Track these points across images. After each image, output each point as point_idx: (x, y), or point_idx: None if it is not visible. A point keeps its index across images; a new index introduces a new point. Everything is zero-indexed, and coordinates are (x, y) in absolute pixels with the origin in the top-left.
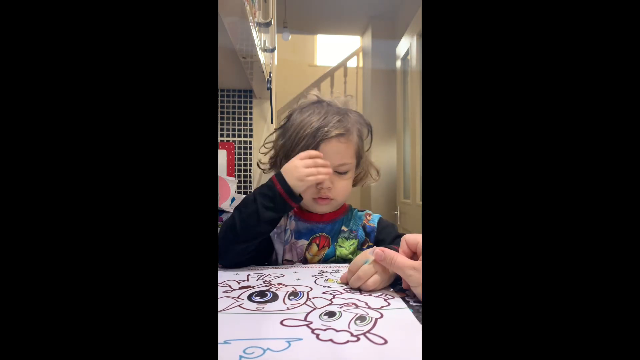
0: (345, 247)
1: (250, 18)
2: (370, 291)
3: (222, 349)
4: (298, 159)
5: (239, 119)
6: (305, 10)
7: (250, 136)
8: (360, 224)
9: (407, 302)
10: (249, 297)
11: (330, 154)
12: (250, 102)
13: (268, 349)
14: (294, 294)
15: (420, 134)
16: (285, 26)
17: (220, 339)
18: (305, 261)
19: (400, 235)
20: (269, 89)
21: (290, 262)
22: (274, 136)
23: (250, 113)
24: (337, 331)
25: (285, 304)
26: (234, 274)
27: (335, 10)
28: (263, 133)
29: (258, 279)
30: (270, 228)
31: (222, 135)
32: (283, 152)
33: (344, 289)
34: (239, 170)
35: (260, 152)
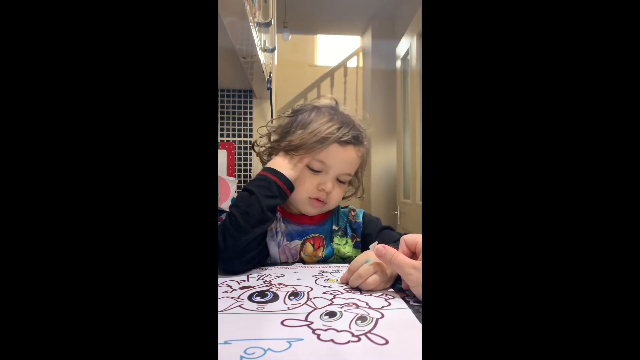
0: (342, 245)
1: (250, 18)
2: (370, 291)
3: (222, 350)
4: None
5: (239, 119)
6: (305, 10)
7: (250, 136)
8: (346, 220)
9: (407, 302)
10: (250, 298)
11: (342, 159)
12: (250, 102)
13: (269, 349)
14: (295, 294)
15: (420, 134)
16: (285, 26)
17: (221, 339)
18: (302, 262)
19: (385, 228)
20: (269, 89)
21: (286, 264)
22: (277, 122)
23: (250, 113)
24: (338, 331)
25: (285, 304)
26: (242, 274)
27: (335, 10)
28: None
29: (258, 279)
30: (272, 216)
31: (222, 135)
32: (293, 145)
33: (344, 289)
34: (239, 170)
35: (259, 132)
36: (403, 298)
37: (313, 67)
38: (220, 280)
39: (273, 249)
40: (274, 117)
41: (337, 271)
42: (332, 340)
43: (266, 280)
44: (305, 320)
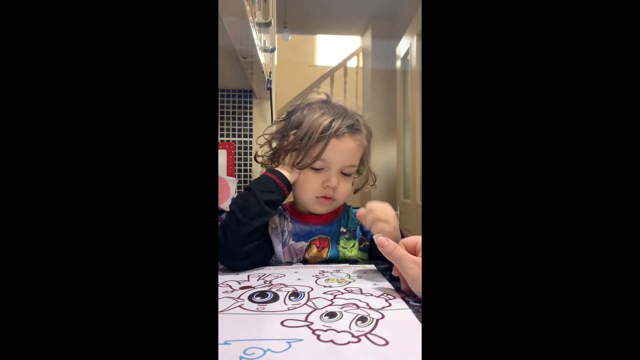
0: (347, 248)
1: (250, 18)
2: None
3: (222, 350)
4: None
5: (239, 119)
6: (305, 10)
7: (250, 136)
8: (358, 223)
9: (407, 302)
10: (250, 298)
11: (342, 152)
12: (250, 102)
13: (268, 349)
14: (295, 294)
15: (420, 134)
16: (285, 26)
17: (221, 339)
18: (305, 263)
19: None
20: (269, 89)
21: (290, 264)
22: (273, 128)
23: (250, 113)
24: (338, 332)
25: (286, 304)
26: (234, 274)
27: (335, 10)
28: None
29: (259, 279)
30: (271, 210)
31: (222, 135)
32: (292, 148)
33: (345, 289)
34: (239, 170)
35: (258, 142)
36: (403, 298)
37: (313, 67)
38: (221, 280)
39: (278, 248)
40: (274, 118)
41: (338, 271)
42: (332, 341)
43: (266, 281)
44: (306, 320)
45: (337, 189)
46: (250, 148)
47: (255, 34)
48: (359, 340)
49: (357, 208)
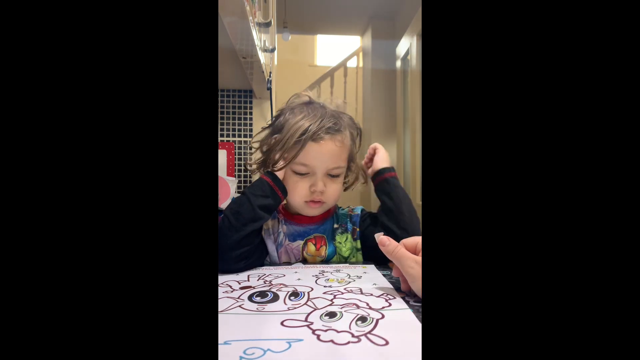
0: (342, 242)
1: (250, 18)
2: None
3: (222, 350)
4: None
5: (239, 119)
6: (305, 10)
7: (250, 136)
8: (346, 217)
9: (407, 302)
10: (250, 298)
11: (322, 155)
12: (250, 102)
13: (268, 349)
14: (295, 294)
15: (420, 134)
16: (285, 26)
17: (221, 339)
18: (305, 262)
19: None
20: (269, 89)
21: (288, 264)
22: (262, 134)
23: (250, 113)
24: (338, 332)
25: (285, 304)
26: (234, 274)
27: (335, 10)
28: None
29: (259, 279)
30: (264, 215)
31: (222, 135)
32: (274, 152)
33: (345, 289)
34: (239, 170)
35: (250, 150)
36: (403, 298)
37: (313, 67)
38: (221, 280)
39: (272, 249)
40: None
41: (338, 271)
42: (332, 341)
43: (266, 281)
44: (305, 320)
45: (325, 192)
46: (251, 148)
47: (255, 34)
48: (359, 340)
49: (344, 208)
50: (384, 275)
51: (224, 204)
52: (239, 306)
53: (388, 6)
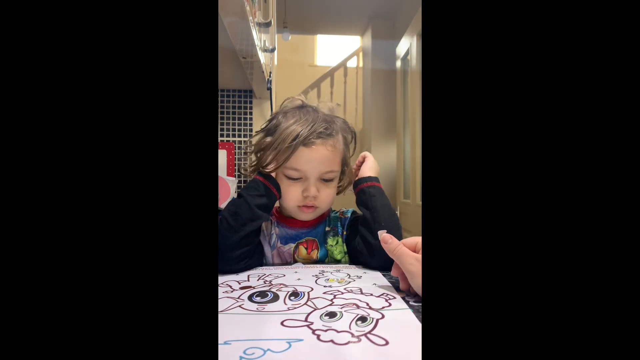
0: (333, 245)
1: (250, 18)
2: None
3: (222, 350)
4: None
5: (239, 119)
6: (305, 10)
7: (250, 136)
8: (337, 220)
9: (407, 302)
10: (250, 298)
11: (314, 160)
12: (250, 102)
13: (268, 349)
14: (295, 294)
15: (420, 134)
16: (285, 26)
17: (221, 339)
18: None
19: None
20: (269, 89)
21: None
22: (256, 139)
23: (250, 113)
24: (338, 332)
25: (286, 304)
26: (234, 274)
27: (335, 10)
28: None
29: (259, 279)
30: (262, 214)
31: (222, 135)
32: (267, 157)
33: (345, 289)
34: (239, 170)
35: (244, 154)
36: (403, 298)
37: (313, 67)
38: (221, 280)
39: (267, 250)
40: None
41: (338, 271)
42: (332, 341)
43: (266, 281)
44: (306, 320)
45: (318, 197)
46: (244, 152)
47: (255, 34)
48: (359, 340)
49: (336, 212)
50: (384, 275)
51: (224, 204)
52: (239, 306)
53: (388, 6)
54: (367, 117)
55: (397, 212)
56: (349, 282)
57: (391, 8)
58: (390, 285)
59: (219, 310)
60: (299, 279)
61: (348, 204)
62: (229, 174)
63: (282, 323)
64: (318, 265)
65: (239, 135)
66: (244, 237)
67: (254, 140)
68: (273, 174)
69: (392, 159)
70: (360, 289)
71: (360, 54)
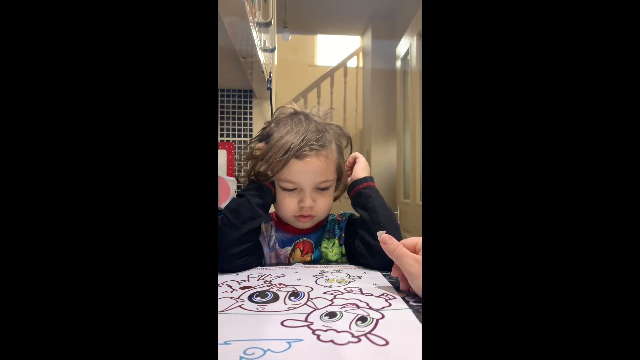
0: (329, 248)
1: (250, 18)
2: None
3: (222, 350)
4: None
5: (239, 119)
6: (305, 10)
7: (250, 136)
8: (335, 223)
9: (407, 302)
10: (250, 298)
11: (308, 172)
12: (250, 102)
13: (268, 349)
14: (295, 294)
15: (420, 134)
16: (285, 26)
17: (221, 339)
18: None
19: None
20: (269, 89)
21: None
22: (253, 144)
23: (250, 113)
24: (338, 332)
25: (285, 304)
26: (234, 274)
27: (335, 10)
28: None
29: (259, 279)
30: (263, 213)
31: (222, 135)
32: (261, 168)
33: (345, 289)
34: (239, 171)
35: (244, 159)
36: (403, 298)
37: (313, 67)
38: (221, 280)
39: (265, 252)
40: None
41: (338, 271)
42: (332, 341)
43: (266, 281)
44: (305, 320)
45: (314, 207)
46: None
47: (255, 34)
48: (359, 340)
49: (334, 215)
50: (384, 275)
51: (224, 203)
52: (239, 306)
53: (388, 6)
54: (367, 117)
55: (397, 212)
56: (349, 282)
57: (391, 8)
58: (390, 285)
59: (219, 310)
60: (299, 279)
61: (347, 207)
62: (229, 174)
63: (282, 323)
64: (318, 266)
65: (239, 135)
66: (244, 235)
67: (248, 151)
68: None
69: (392, 159)
70: (360, 289)
71: (360, 54)
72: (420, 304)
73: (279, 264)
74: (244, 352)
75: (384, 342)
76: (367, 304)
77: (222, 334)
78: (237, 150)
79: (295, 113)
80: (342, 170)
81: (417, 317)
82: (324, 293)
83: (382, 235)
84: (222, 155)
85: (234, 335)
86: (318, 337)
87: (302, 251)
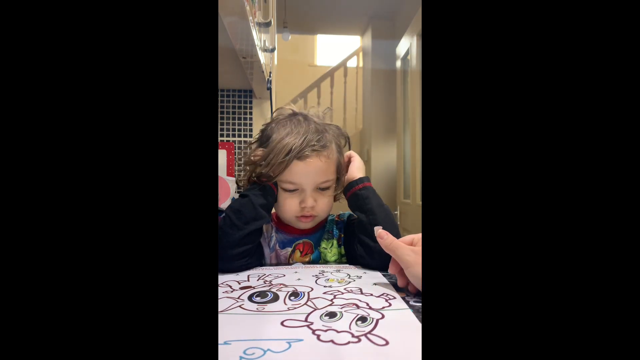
0: (328, 248)
1: (250, 18)
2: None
3: (222, 350)
4: None
5: (239, 119)
6: (305, 10)
7: (250, 136)
8: (333, 223)
9: (407, 303)
10: (250, 298)
11: (309, 173)
12: (250, 102)
13: (268, 349)
14: (295, 294)
15: (420, 134)
16: (285, 26)
17: (221, 339)
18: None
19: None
20: (269, 89)
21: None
22: (252, 147)
23: (250, 113)
24: (338, 332)
25: (285, 304)
26: (234, 274)
27: (335, 10)
28: None
29: (259, 279)
30: (265, 214)
31: (222, 135)
32: (262, 170)
33: (345, 289)
34: (239, 171)
35: (245, 164)
36: (403, 298)
37: (313, 67)
38: (221, 280)
39: (266, 252)
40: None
41: (338, 271)
42: (332, 341)
43: (266, 281)
44: (306, 320)
45: (315, 207)
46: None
47: (255, 34)
48: (359, 341)
49: (333, 215)
50: (384, 275)
51: (224, 203)
52: (239, 306)
53: (388, 6)
54: (367, 117)
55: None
56: (349, 282)
57: (391, 8)
58: (390, 285)
59: (219, 310)
60: (299, 279)
61: (347, 207)
62: (229, 174)
63: (282, 323)
64: (318, 266)
65: (239, 135)
66: (246, 236)
67: (248, 152)
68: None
69: (392, 159)
70: (360, 289)
71: (360, 54)
72: (420, 304)
73: (279, 264)
74: (244, 352)
75: (384, 342)
76: (367, 304)
77: (222, 334)
78: (237, 150)
79: (294, 114)
80: (341, 170)
81: (417, 317)
82: (324, 293)
83: (378, 230)
84: (222, 155)
85: (234, 335)
86: (318, 337)
87: (301, 252)
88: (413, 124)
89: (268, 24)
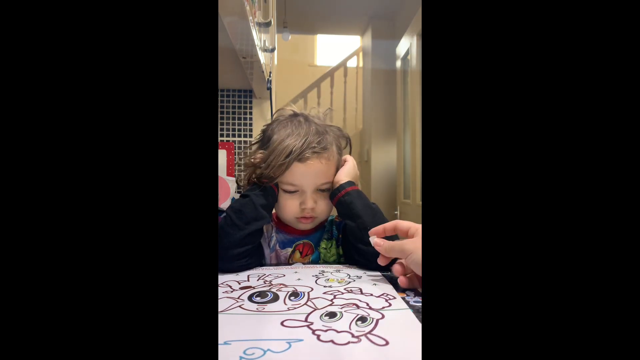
0: (327, 249)
1: (250, 18)
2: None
3: (222, 350)
4: None
5: (239, 119)
6: (305, 10)
7: (250, 136)
8: (333, 224)
9: (407, 303)
10: (250, 298)
11: (309, 175)
12: (250, 102)
13: (268, 349)
14: (295, 294)
15: (420, 134)
16: (285, 26)
17: (221, 339)
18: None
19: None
20: (269, 89)
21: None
22: (253, 148)
23: (250, 113)
24: (338, 332)
25: (286, 304)
26: (234, 274)
27: (335, 10)
28: None
29: (259, 279)
30: (266, 214)
31: (222, 135)
32: (262, 172)
33: (345, 289)
34: (239, 170)
35: (245, 164)
36: (403, 298)
37: (313, 67)
38: (221, 280)
39: (265, 253)
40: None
41: (338, 271)
42: (332, 341)
43: (266, 281)
44: (306, 320)
45: (315, 208)
46: (251, 148)
47: (255, 34)
48: (359, 341)
49: (332, 216)
50: (384, 275)
51: (224, 203)
52: (239, 306)
53: (388, 6)
54: (367, 117)
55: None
56: (349, 282)
57: (391, 8)
58: (390, 285)
59: (219, 310)
60: (299, 279)
61: None
62: (229, 174)
63: (282, 323)
64: (318, 266)
65: (239, 135)
66: (247, 236)
67: (249, 154)
68: None
69: (392, 159)
70: (360, 289)
71: (360, 54)
72: (420, 304)
73: (279, 264)
74: (244, 352)
75: (384, 342)
76: (367, 304)
77: (222, 334)
78: (237, 150)
79: (295, 115)
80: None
81: (417, 317)
82: (324, 293)
83: (373, 240)
84: (222, 155)
85: (234, 335)
86: (318, 337)
87: (301, 253)
88: (413, 124)
89: (268, 24)
